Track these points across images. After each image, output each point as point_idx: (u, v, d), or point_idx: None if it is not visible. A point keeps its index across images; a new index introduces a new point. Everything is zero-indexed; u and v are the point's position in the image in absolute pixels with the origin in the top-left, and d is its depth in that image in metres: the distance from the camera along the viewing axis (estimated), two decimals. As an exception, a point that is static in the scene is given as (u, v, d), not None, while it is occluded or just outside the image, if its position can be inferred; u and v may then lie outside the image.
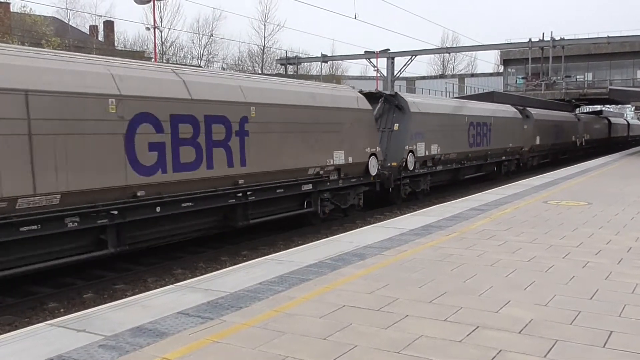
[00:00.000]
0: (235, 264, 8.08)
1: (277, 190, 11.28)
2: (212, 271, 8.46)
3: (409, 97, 17.18)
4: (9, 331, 5.19)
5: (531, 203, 11.37)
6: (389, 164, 15.61)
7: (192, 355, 3.88)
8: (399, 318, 4.59)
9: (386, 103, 16.65)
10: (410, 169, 16.34)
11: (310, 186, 12.19)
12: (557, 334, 4.21)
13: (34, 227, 7.20)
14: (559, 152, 32.05)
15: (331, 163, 12.69)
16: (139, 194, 8.43)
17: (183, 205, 9.24)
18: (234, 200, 10.22)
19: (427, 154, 17.18)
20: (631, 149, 38.48)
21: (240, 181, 10.31)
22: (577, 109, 44.65)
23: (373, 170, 14.22)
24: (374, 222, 12.02)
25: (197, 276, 7.84)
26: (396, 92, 17.50)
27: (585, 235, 8.00)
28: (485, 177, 22.68)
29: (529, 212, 10.18)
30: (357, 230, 9.25)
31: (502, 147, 23.36)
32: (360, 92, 15.49)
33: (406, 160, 16.10)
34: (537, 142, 27.63)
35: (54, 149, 7.27)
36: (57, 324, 4.54)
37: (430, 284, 5.58)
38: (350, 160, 13.29)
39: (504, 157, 23.63)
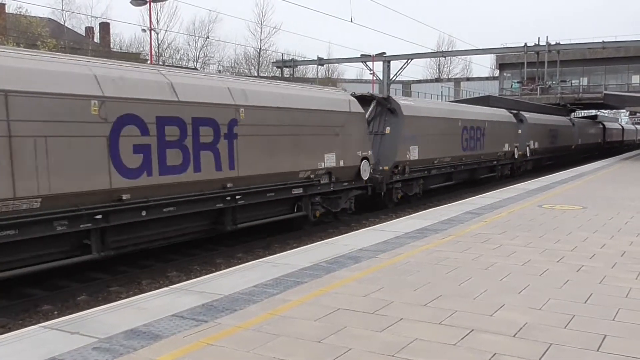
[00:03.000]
0: (230, 267, 8.05)
1: (267, 194, 11.05)
2: (207, 274, 8.43)
3: (401, 100, 16.99)
4: (2, 333, 5.17)
5: (526, 207, 11.40)
6: (380, 168, 15.41)
7: (187, 358, 3.87)
8: (393, 321, 4.59)
9: (378, 106, 16.41)
10: (403, 173, 16.22)
11: (301, 190, 11.98)
12: (551, 337, 4.22)
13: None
14: (553, 156, 32.08)
15: (322, 166, 12.50)
16: None
17: (164, 210, 8.91)
18: (222, 205, 9.99)
19: (420, 157, 17.02)
20: (625, 154, 38.60)
21: (229, 184, 10.12)
22: (572, 113, 44.83)
23: (365, 174, 14.05)
24: (368, 226, 12.01)
25: (191, 279, 7.81)
26: (389, 95, 17.22)
27: (579, 239, 8.02)
28: (479, 182, 22.56)
29: (524, 215, 10.21)
30: (352, 233, 9.25)
31: (496, 151, 23.34)
32: (353, 94, 15.36)
33: (398, 163, 15.98)
34: (531, 146, 27.60)
35: None
36: (50, 327, 4.52)
37: (425, 287, 5.59)
38: (341, 163, 13.10)
39: (496, 162, 23.51)
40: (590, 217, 10.01)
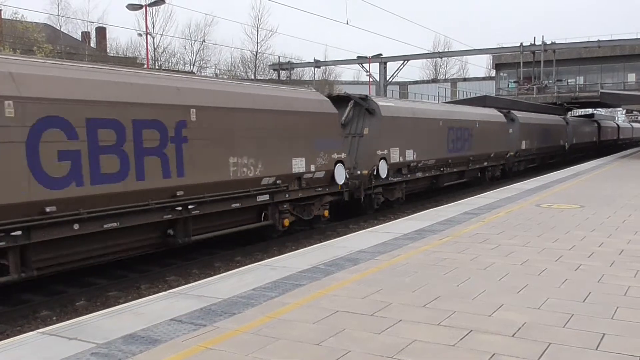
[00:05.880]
0: (228, 270, 8.06)
1: (225, 203, 10.12)
2: (205, 277, 8.45)
3: (380, 100, 16.10)
4: (1, 340, 5.15)
5: (524, 206, 11.41)
6: (358, 172, 14.48)
7: (185, 363, 3.86)
8: (392, 323, 4.59)
9: (356, 107, 15.39)
10: (383, 177, 15.23)
11: (266, 197, 11.04)
12: (550, 337, 4.22)
13: None
14: (546, 156, 31.69)
15: (290, 172, 11.57)
16: None
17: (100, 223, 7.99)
18: (171, 216, 9.12)
19: (401, 160, 16.07)
20: (621, 152, 38.62)
21: (179, 193, 9.17)
22: (569, 112, 44.90)
23: (340, 179, 13.11)
24: (366, 227, 12.00)
25: (190, 283, 7.80)
26: (367, 95, 15.98)
27: (577, 238, 8.03)
28: (469, 184, 21.74)
29: (521, 215, 10.21)
30: (350, 235, 9.25)
31: (486, 152, 22.44)
32: (329, 95, 14.64)
33: (378, 167, 14.99)
34: (523, 146, 26.90)
35: None
36: (49, 332, 4.51)
37: (423, 288, 5.59)
38: (312, 168, 12.18)
39: (486, 163, 22.68)
40: (587, 215, 10.02)
